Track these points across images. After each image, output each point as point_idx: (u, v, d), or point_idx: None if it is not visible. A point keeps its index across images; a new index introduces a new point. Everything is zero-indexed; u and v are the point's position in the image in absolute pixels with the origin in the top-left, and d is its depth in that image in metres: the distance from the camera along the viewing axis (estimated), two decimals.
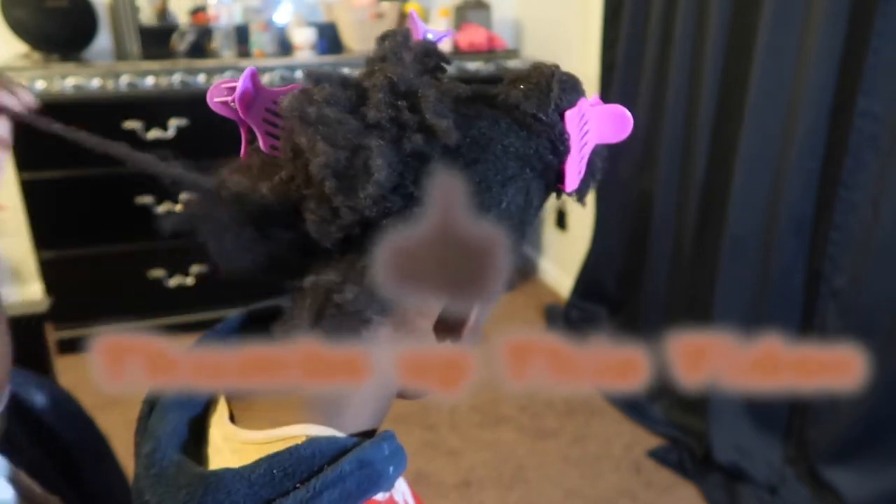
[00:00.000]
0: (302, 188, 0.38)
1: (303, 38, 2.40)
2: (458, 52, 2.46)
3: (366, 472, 0.39)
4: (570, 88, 0.44)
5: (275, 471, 0.39)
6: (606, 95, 2.19)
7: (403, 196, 0.38)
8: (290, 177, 0.38)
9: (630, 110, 0.44)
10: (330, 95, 0.38)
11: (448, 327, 0.44)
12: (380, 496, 0.41)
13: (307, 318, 0.39)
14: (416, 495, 0.47)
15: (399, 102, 0.38)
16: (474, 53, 2.46)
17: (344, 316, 0.39)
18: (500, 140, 0.42)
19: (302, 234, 0.39)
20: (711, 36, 1.73)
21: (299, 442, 0.40)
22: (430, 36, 0.47)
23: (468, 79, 2.37)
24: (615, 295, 2.34)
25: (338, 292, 0.38)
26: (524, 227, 0.45)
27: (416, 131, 0.37)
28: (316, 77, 0.39)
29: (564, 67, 0.46)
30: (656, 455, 1.87)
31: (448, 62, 0.45)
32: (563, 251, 2.70)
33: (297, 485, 0.38)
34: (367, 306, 0.38)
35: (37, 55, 2.21)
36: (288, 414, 0.42)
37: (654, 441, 1.93)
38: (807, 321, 1.66)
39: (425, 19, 2.56)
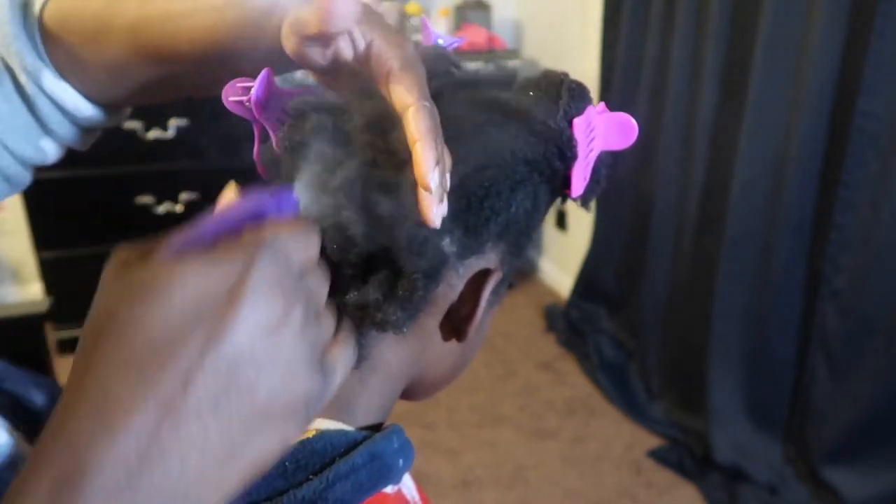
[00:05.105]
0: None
1: None
2: (458, 52, 2.46)
3: (377, 464, 0.40)
4: (579, 96, 0.44)
5: (287, 463, 0.39)
6: (606, 95, 2.20)
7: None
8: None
9: (630, 110, 0.44)
10: (317, 126, 0.38)
11: (454, 326, 0.45)
12: (389, 489, 0.42)
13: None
14: (422, 492, 0.48)
15: (381, 144, 0.38)
16: (474, 53, 2.46)
17: (379, 329, 0.40)
18: (509, 145, 0.43)
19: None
20: (711, 36, 1.73)
21: (310, 435, 0.41)
22: (440, 41, 0.48)
23: (470, 79, 2.37)
24: (615, 295, 2.34)
25: (379, 310, 0.38)
26: (530, 231, 0.45)
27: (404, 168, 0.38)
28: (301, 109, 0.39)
29: (564, 67, 0.47)
30: (656, 455, 1.87)
31: (458, 67, 0.46)
32: (563, 251, 2.70)
33: (310, 476, 0.39)
34: (405, 321, 0.39)
35: None
36: None
37: (654, 441, 1.93)
38: (807, 321, 1.66)
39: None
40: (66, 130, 0.48)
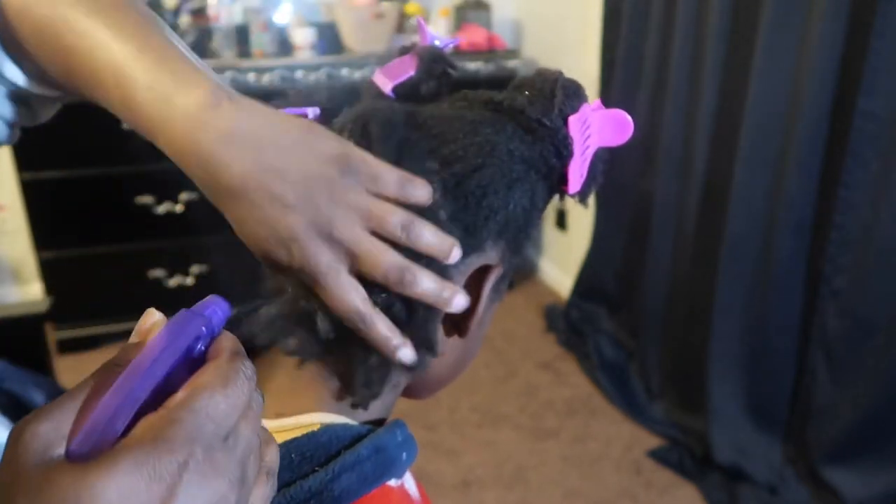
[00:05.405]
0: None
1: (303, 38, 2.40)
2: (458, 52, 2.46)
3: (381, 457, 0.41)
4: (573, 94, 0.45)
5: (293, 455, 0.40)
6: (606, 95, 2.20)
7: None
8: None
9: (630, 110, 0.45)
10: None
11: (455, 322, 0.45)
12: (393, 482, 0.42)
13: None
14: (421, 490, 0.48)
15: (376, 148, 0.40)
16: (474, 53, 2.46)
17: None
18: (505, 144, 0.43)
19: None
20: (711, 36, 1.73)
21: (315, 429, 0.41)
22: (436, 42, 0.49)
23: (468, 79, 2.37)
24: (615, 295, 2.34)
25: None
26: (529, 228, 0.46)
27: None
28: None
29: (564, 67, 0.47)
30: (656, 455, 1.87)
31: (455, 68, 0.47)
32: (563, 251, 2.70)
33: (316, 468, 0.40)
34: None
35: None
36: (301, 403, 0.43)
37: (654, 441, 1.93)
38: (807, 321, 1.66)
39: (425, 19, 2.56)
40: (38, 101, 0.47)
